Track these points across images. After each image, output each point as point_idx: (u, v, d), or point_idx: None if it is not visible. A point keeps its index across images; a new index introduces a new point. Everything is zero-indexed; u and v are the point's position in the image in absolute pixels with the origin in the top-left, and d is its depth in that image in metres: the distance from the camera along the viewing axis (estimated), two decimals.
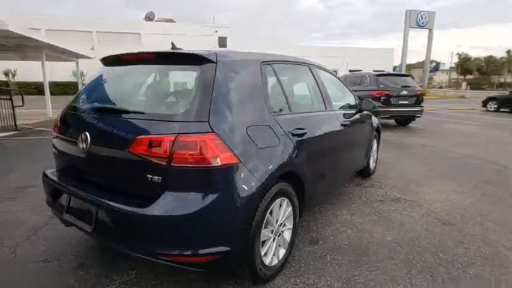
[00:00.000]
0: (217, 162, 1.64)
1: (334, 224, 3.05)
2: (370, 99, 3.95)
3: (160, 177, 1.64)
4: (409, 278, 2.19)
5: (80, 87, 14.17)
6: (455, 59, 66.69)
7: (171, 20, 35.11)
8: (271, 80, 2.28)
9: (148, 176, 1.66)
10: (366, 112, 3.99)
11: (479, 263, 2.40)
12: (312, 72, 3.00)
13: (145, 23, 31.48)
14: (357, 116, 3.66)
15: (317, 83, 3.00)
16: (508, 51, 59.85)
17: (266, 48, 32.20)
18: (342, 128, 3.13)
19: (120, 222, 1.73)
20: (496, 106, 16.05)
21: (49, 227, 2.89)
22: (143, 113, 1.81)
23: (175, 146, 1.60)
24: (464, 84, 59.27)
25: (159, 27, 30.62)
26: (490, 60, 63.86)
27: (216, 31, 32.60)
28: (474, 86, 55.96)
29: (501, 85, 56.24)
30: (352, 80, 10.34)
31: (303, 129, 2.34)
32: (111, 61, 2.29)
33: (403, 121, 10.29)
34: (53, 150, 2.28)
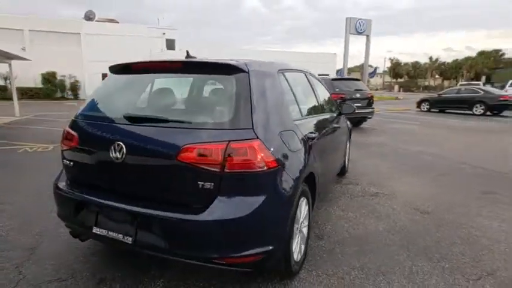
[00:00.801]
0: (264, 166, 1.76)
1: (331, 219, 3.32)
2: (351, 103, 4.34)
3: (212, 184, 1.70)
4: (411, 260, 2.52)
5: (14, 91, 12.72)
6: (388, 64, 73.71)
7: (113, 20, 33.14)
8: (286, 87, 2.44)
9: (199, 182, 1.71)
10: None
11: (459, 241, 2.84)
12: (307, 79, 3.24)
13: (86, 23, 29.26)
14: (340, 118, 4.01)
15: (312, 88, 3.25)
16: (430, 58, 68.15)
17: (215, 51, 32.03)
18: (334, 129, 3.43)
19: (172, 230, 1.75)
20: (428, 107, 18.18)
21: (46, 245, 2.69)
22: (186, 122, 1.84)
23: (228, 152, 1.68)
24: (396, 86, 65.84)
25: (101, 28, 28.71)
26: (416, 65, 71.97)
27: (164, 33, 31.61)
28: (404, 88, 62.50)
29: (426, 88, 63.65)
30: None
31: (314, 132, 2.55)
32: (127, 69, 2.25)
33: (356, 122, 11.19)
34: (67, 162, 2.16)
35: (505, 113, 15.65)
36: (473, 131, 10.32)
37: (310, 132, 2.50)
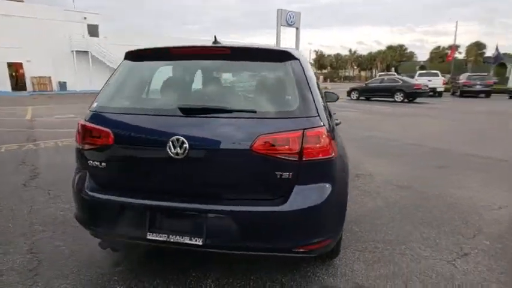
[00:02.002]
0: (332, 153, 1.80)
1: None
2: (332, 92, 4.57)
3: (291, 173, 1.68)
4: (418, 229, 2.86)
5: None
6: (313, 56, 78.55)
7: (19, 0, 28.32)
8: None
9: (277, 173, 1.67)
10: None
11: (445, 209, 3.31)
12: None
13: None
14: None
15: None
16: (350, 50, 74.92)
17: (150, 40, 30.01)
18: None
19: (252, 224, 1.68)
20: (357, 95, 20.06)
21: (47, 264, 2.30)
22: (252, 111, 1.75)
23: (304, 141, 1.67)
24: (321, 77, 70.66)
25: (3, 7, 24.30)
26: (338, 57, 78.34)
27: (85, 17, 28.28)
28: (329, 78, 67.57)
29: (346, 78, 69.90)
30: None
31: (337, 119, 2.67)
32: (162, 54, 2.02)
33: None
34: (95, 163, 1.86)
35: (418, 99, 18.16)
36: (404, 116, 11.82)
37: (336, 119, 2.60)
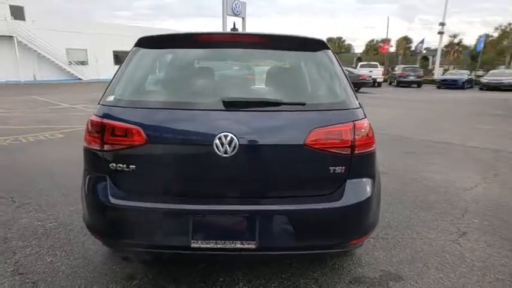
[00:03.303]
0: (374, 145, 1.80)
1: None
2: None
3: (343, 167, 1.64)
4: (414, 213, 3.06)
5: None
6: None
7: None
8: None
9: (331, 167, 1.62)
10: None
11: (427, 192, 3.59)
12: None
13: None
14: None
15: None
16: None
17: (81, 26, 27.21)
18: None
19: (308, 222, 1.61)
20: None
21: (47, 287, 1.96)
22: (300, 104, 1.64)
23: (355, 133, 1.64)
24: None
25: None
26: None
27: None
28: None
29: None
30: None
31: None
32: (186, 41, 1.80)
33: None
34: (122, 166, 1.60)
35: (361, 89, 19.38)
36: None
37: None
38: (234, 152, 1.52)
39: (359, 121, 1.67)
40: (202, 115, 1.59)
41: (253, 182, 1.65)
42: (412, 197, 3.44)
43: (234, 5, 31.03)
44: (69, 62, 27.44)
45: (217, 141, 1.52)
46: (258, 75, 1.95)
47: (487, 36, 31.90)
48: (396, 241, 2.54)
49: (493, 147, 5.74)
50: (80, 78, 27.22)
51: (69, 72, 27.15)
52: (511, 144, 6.00)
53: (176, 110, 1.61)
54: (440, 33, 27.92)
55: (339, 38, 77.42)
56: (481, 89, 20.74)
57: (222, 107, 1.58)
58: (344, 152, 1.63)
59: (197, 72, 1.94)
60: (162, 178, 1.65)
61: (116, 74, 1.81)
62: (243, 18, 33.15)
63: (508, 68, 32.38)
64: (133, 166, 1.60)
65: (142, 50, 1.83)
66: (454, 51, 43.66)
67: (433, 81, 25.26)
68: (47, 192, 3.41)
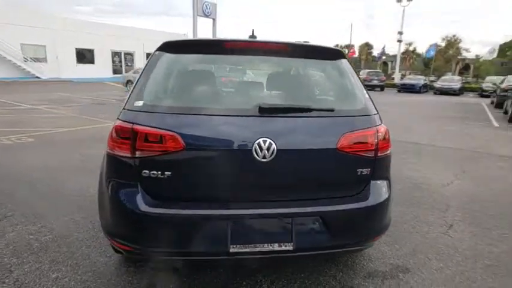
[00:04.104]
0: (390, 148, 1.93)
1: None
2: None
3: (368, 169, 1.75)
4: (407, 209, 3.28)
5: None
6: None
7: None
8: None
9: (358, 170, 1.72)
10: None
11: (413, 190, 3.86)
12: None
13: None
14: None
15: None
16: None
17: (38, 20, 25.23)
18: None
19: (340, 222, 1.70)
20: None
21: None
22: (329, 110, 1.72)
23: (378, 137, 1.76)
24: None
25: None
26: None
27: None
28: None
29: None
30: None
31: None
32: (212, 47, 1.81)
33: None
34: (156, 173, 1.57)
35: None
36: None
37: None
38: (272, 157, 1.57)
39: (380, 126, 1.80)
40: (240, 121, 1.62)
41: (288, 186, 1.70)
42: (401, 194, 3.68)
43: (204, 6, 30.69)
44: (25, 58, 25.19)
45: (256, 146, 1.55)
46: (283, 82, 2.01)
47: (436, 45, 34.73)
48: (397, 236, 2.73)
49: (457, 146, 6.30)
50: (37, 77, 25.09)
51: (24, 69, 24.88)
52: (471, 143, 6.62)
53: (214, 116, 1.61)
54: (399, 41, 29.93)
55: (306, 42, 79.52)
56: (434, 93, 22.50)
57: (258, 113, 1.61)
58: (369, 155, 1.74)
59: (227, 78, 1.95)
60: (199, 184, 1.63)
61: (139, 78, 1.77)
62: (214, 19, 32.91)
63: (453, 74, 35.57)
64: (169, 173, 1.57)
65: (167, 55, 1.80)
66: (410, 57, 47.10)
67: (394, 85, 26.89)
68: (30, 202, 3.17)
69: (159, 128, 1.56)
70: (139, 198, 1.59)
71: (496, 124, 9.45)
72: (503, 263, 2.38)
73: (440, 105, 14.98)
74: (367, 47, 53.00)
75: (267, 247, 1.61)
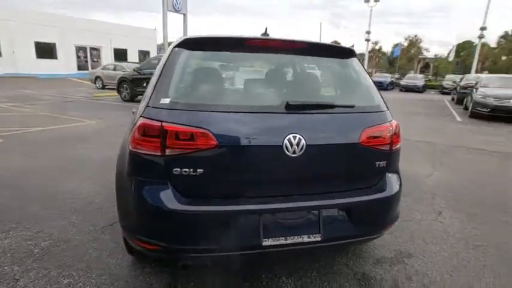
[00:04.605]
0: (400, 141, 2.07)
1: None
2: None
3: (385, 162, 1.87)
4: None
5: None
6: None
7: None
8: None
9: (376, 163, 1.83)
10: None
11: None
12: None
13: None
14: None
15: None
16: None
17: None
18: None
19: (363, 212, 1.80)
20: None
21: None
22: (349, 106, 1.81)
23: (392, 132, 1.88)
24: None
25: None
26: None
27: None
28: None
29: None
30: None
31: None
32: (233, 45, 1.82)
33: None
34: (188, 170, 1.56)
35: None
36: None
37: None
38: (301, 152, 1.62)
39: (393, 121, 1.92)
40: (269, 117, 1.66)
41: (315, 179, 1.77)
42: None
43: (174, 1, 29.83)
44: None
45: (286, 142, 1.60)
46: (302, 79, 2.07)
47: (401, 45, 36.67)
48: (395, 224, 2.89)
49: (430, 140, 6.73)
50: None
51: None
52: (442, 137, 7.11)
53: (243, 113, 1.63)
54: (367, 40, 31.14)
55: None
56: (400, 90, 23.71)
57: (285, 110, 1.66)
58: (385, 149, 1.86)
59: (249, 75, 1.98)
60: (230, 180, 1.65)
61: (160, 75, 1.73)
62: (184, 14, 32.06)
63: (415, 73, 37.75)
64: (201, 170, 1.57)
65: (187, 51, 1.79)
66: (376, 56, 49.27)
67: None
68: (19, 207, 2.98)
69: (190, 126, 1.55)
70: (170, 196, 1.58)
71: (459, 119, 10.19)
72: (490, 243, 2.63)
73: (407, 102, 15.84)
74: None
75: (297, 239, 1.67)
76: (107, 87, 16.92)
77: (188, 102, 1.65)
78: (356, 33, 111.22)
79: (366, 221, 1.85)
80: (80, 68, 28.18)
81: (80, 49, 28.74)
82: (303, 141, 1.62)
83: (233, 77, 1.95)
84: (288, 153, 1.61)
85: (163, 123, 1.56)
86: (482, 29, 24.04)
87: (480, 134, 7.78)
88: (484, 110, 9.82)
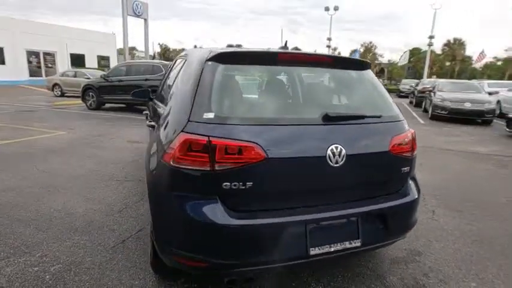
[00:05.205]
0: None
1: None
2: None
3: (408, 168, 2.00)
4: None
5: None
6: (158, 49, 75.52)
7: None
8: None
9: (402, 168, 1.96)
10: None
11: None
12: None
13: None
14: None
15: None
16: (195, 46, 76.72)
17: None
18: None
19: (395, 217, 1.91)
20: None
21: None
22: (376, 116, 1.92)
23: (412, 139, 2.02)
24: None
25: None
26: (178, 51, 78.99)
27: None
28: None
29: None
30: (145, 69, 10.39)
31: None
32: (267, 59, 1.86)
33: None
34: (238, 184, 1.56)
35: None
36: None
37: None
38: (342, 162, 1.69)
39: (410, 129, 2.07)
40: (311, 129, 1.72)
41: (353, 187, 1.84)
42: None
43: (135, 5, 28.95)
44: None
45: (329, 152, 1.66)
46: (331, 91, 2.16)
47: (359, 51, 38.82)
48: None
49: None
50: None
51: None
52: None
53: (288, 126, 1.67)
54: (328, 46, 32.60)
55: (239, 45, 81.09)
56: None
57: (323, 121, 1.74)
58: (408, 155, 2.00)
59: (286, 89, 2.02)
60: (277, 191, 1.67)
61: (196, 89, 1.70)
62: (145, 19, 31.27)
63: None
64: (250, 183, 1.58)
65: (222, 65, 1.78)
66: None
67: None
68: (8, 230, 2.72)
69: (239, 140, 1.56)
70: (221, 211, 1.56)
71: (422, 121, 11.00)
72: (485, 237, 2.89)
73: None
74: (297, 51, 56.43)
75: (340, 246, 1.73)
76: (66, 94, 15.93)
77: (233, 116, 1.65)
78: (313, 39, 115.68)
79: (395, 224, 1.96)
80: (32, 74, 26.15)
81: (31, 54, 26.67)
82: (343, 152, 1.70)
83: (268, 90, 1.98)
84: (330, 163, 1.67)
85: (211, 138, 1.55)
86: (431, 37, 26.27)
87: (443, 135, 8.48)
88: (443, 112, 10.72)
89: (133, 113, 10.56)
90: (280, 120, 1.70)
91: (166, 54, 75.49)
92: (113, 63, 32.73)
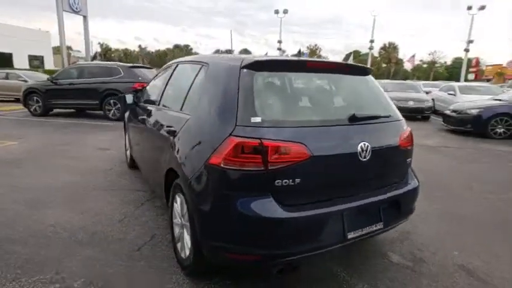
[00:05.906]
0: None
1: None
2: None
3: (410, 159, 2.35)
4: None
5: None
6: (98, 48, 70.52)
7: None
8: None
9: (407, 160, 2.30)
10: None
11: None
12: None
13: None
14: None
15: None
16: (140, 46, 73.11)
17: None
18: None
19: (407, 201, 2.25)
20: None
21: None
22: (388, 116, 2.24)
23: (411, 134, 2.38)
24: None
25: None
26: (127, 52, 74.62)
27: None
28: None
29: None
30: (100, 71, 9.83)
31: None
32: (296, 67, 2.09)
33: None
34: (287, 181, 1.72)
35: None
36: None
37: None
38: (369, 157, 1.96)
39: (408, 127, 2.42)
40: (344, 129, 1.96)
41: (375, 178, 2.12)
42: None
43: (72, 1, 26.69)
44: None
45: (359, 149, 1.91)
46: (350, 94, 2.41)
47: (307, 54, 40.96)
48: None
49: None
50: None
51: None
52: None
53: (326, 126, 1.91)
54: (279, 49, 33.73)
55: (187, 46, 79.70)
56: None
57: (349, 121, 2.00)
58: (410, 148, 2.34)
59: (315, 93, 2.23)
60: (320, 185, 1.88)
61: (238, 96, 1.81)
62: (85, 16, 29.07)
63: None
64: (298, 180, 1.75)
65: (257, 73, 1.91)
66: None
67: None
68: (2, 251, 2.49)
69: (288, 141, 1.72)
70: (275, 206, 1.71)
71: None
72: (457, 216, 3.42)
73: None
74: (246, 53, 57.27)
75: (368, 229, 2.00)
76: None
77: (278, 119, 1.81)
78: (260, 40, 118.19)
79: (404, 208, 2.29)
80: None
81: None
82: (370, 147, 1.96)
83: (301, 94, 2.19)
84: (360, 158, 1.92)
85: (263, 140, 1.68)
86: (372, 41, 28.74)
87: None
88: None
89: (87, 118, 9.88)
90: (319, 121, 1.93)
91: (107, 54, 70.83)
92: (48, 63, 29.87)
